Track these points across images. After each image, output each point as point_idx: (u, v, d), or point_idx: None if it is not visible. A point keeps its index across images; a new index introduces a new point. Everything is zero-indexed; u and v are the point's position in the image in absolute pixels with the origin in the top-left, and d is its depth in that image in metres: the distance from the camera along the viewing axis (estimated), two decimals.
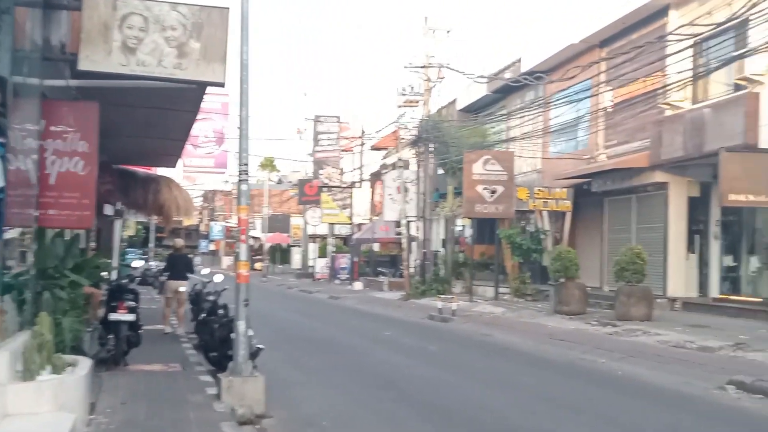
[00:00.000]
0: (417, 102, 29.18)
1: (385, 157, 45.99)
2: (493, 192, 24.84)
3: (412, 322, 21.78)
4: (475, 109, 33.23)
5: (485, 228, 31.74)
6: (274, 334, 16.78)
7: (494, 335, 17.86)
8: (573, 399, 10.24)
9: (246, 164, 8.53)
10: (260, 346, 10.13)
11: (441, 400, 10.02)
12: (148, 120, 11.89)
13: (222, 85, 8.10)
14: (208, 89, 10.81)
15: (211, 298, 12.56)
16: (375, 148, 47.43)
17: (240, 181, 8.61)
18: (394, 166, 35.01)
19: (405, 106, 29.30)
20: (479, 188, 24.86)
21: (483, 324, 20.02)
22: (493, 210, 24.94)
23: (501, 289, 26.04)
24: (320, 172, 42.29)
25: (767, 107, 17.80)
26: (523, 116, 27.36)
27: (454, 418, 9.05)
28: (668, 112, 21.62)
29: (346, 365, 13.15)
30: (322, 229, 49.38)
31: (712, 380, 11.18)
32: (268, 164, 70.19)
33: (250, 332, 9.36)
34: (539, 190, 24.46)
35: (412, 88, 29.06)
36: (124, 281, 12.39)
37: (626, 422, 8.93)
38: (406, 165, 31.80)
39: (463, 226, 36.00)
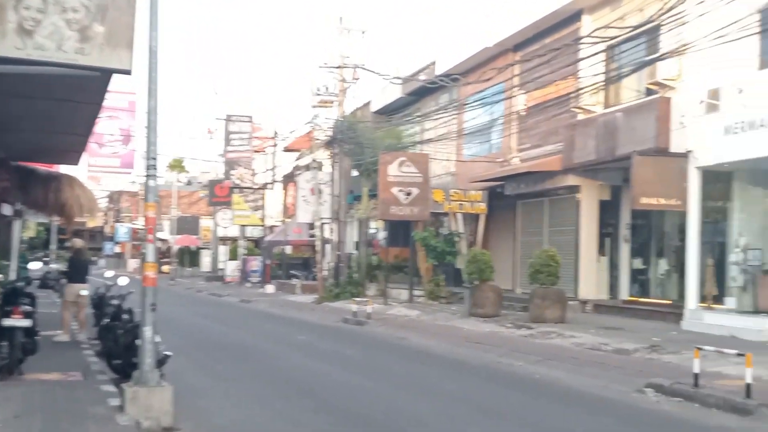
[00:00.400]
0: (332, 102, 28.79)
1: (298, 159, 45.41)
2: (409, 194, 24.63)
3: (327, 326, 21.35)
4: (390, 111, 33.05)
5: (399, 231, 31.57)
6: (183, 340, 16.11)
7: (410, 338, 17.60)
8: (494, 404, 10.02)
9: (155, 158, 7.96)
10: (168, 352, 9.56)
11: (362, 409, 9.65)
12: (48, 112, 11.13)
13: (129, 72, 7.52)
14: (115, 86, 10.18)
15: (116, 302, 11.88)
16: (288, 150, 46.78)
17: (148, 176, 8.04)
18: (307, 167, 34.55)
19: (319, 107, 28.85)
20: (394, 190, 24.62)
21: (398, 327, 19.75)
22: (408, 212, 24.73)
23: (415, 292, 25.86)
24: (231, 172, 41.41)
25: (678, 112, 18.07)
26: (438, 118, 27.29)
27: (377, 428, 8.69)
28: (581, 116, 21.82)
29: (261, 372, 12.65)
30: (233, 231, 48.44)
31: (630, 383, 11.12)
32: (177, 165, 68.66)
33: (157, 338, 8.79)
34: (455, 192, 24.38)
35: (327, 88, 28.64)
36: (20, 284, 11.59)
37: (550, 428, 8.74)
38: (320, 166, 31.36)
39: (377, 228, 35.80)
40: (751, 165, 16.76)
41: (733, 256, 17.12)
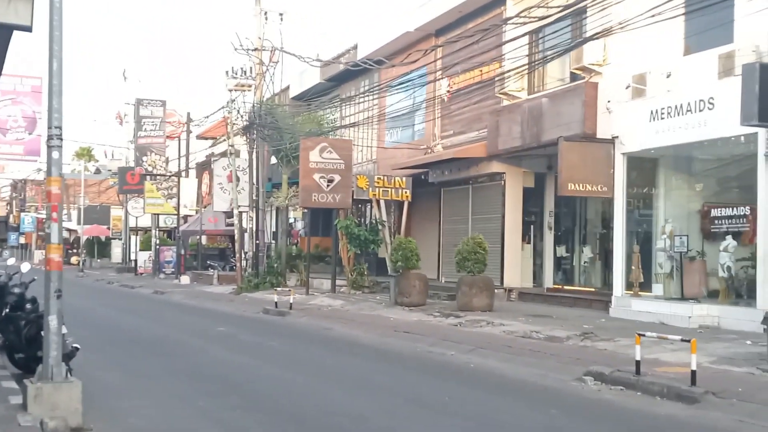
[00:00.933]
0: (249, 86, 27.77)
1: (213, 146, 44.14)
2: (331, 181, 23.94)
3: (248, 317, 20.55)
4: (309, 97, 32.21)
5: (319, 219, 30.89)
6: (93, 334, 15.13)
7: (335, 329, 17.00)
8: (433, 397, 9.47)
9: (59, 127, 7.09)
10: (76, 345, 8.72)
11: (294, 405, 8.96)
12: None
13: (29, 29, 6.66)
14: (18, 70, 9.23)
15: (17, 290, 10.86)
16: (202, 137, 45.43)
17: (50, 147, 7.15)
18: (225, 154, 33.39)
19: (237, 90, 27.78)
20: (316, 177, 23.88)
21: (322, 317, 19.11)
22: (330, 200, 24.03)
23: (338, 282, 25.21)
24: (143, 159, 39.86)
25: (604, 97, 17.90)
26: (360, 102, 26.68)
27: (313, 426, 8.04)
28: (505, 102, 21.53)
29: (181, 367, 11.83)
30: (146, 222, 46.74)
31: (568, 371, 10.77)
32: (85, 153, 66.20)
33: (64, 329, 7.94)
34: (379, 178, 23.81)
35: (245, 71, 27.62)
36: None
37: (495, 422, 8.24)
38: (237, 153, 30.25)
39: (295, 219, 34.98)
40: (676, 151, 16.72)
41: (660, 243, 17.04)
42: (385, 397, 9.51)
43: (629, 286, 17.46)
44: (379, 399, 9.37)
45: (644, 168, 17.74)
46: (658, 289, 16.96)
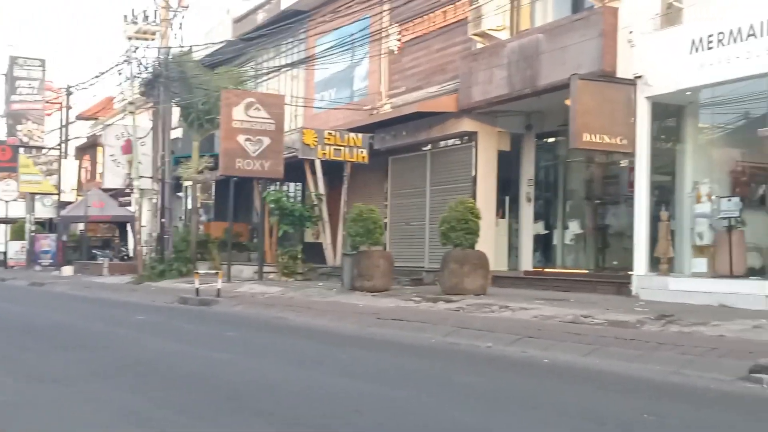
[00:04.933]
0: (153, 34, 22.99)
1: (96, 126, 38.69)
2: (258, 144, 19.64)
3: (165, 307, 16.17)
4: (217, 61, 27.56)
5: (227, 202, 26.33)
6: None
7: (290, 318, 13.04)
8: (565, 403, 5.58)
9: None
10: None
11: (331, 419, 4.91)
12: None
13: None
14: None
15: None
16: (83, 118, 39.91)
17: None
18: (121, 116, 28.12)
19: (137, 39, 22.94)
20: (241, 139, 19.52)
21: (263, 306, 14.97)
22: (257, 167, 19.69)
23: (264, 269, 20.89)
24: (18, 128, 33.97)
25: (623, 29, 14.41)
26: (287, 52, 22.50)
27: None
28: (480, 45, 17.81)
29: (115, 363, 7.61)
30: (18, 211, 40.40)
31: (705, 367, 7.16)
32: None
33: None
34: (331, 133, 19.62)
35: (147, 17, 22.85)
36: None
37: None
38: (135, 110, 24.95)
39: (201, 204, 30.11)
40: (725, 91, 13.34)
41: (700, 207, 13.65)
42: (491, 405, 5.58)
43: (654, 263, 14.06)
44: (491, 409, 5.42)
45: (674, 114, 14.40)
46: (699, 264, 13.56)
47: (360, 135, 19.91)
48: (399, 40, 20.60)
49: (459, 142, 18.75)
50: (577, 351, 8.41)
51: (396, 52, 20.86)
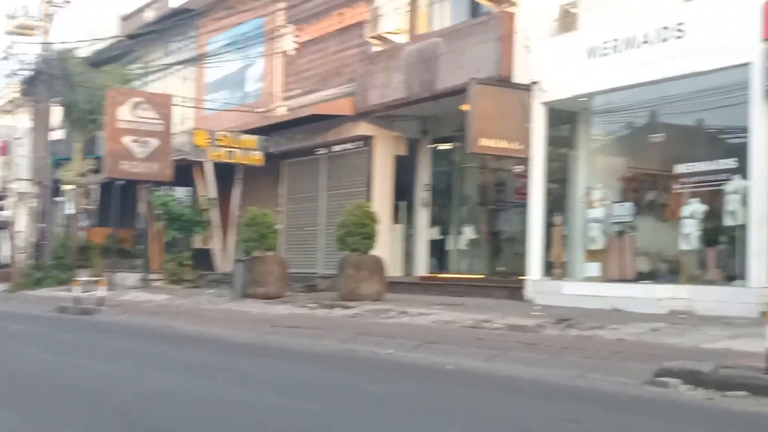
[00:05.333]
0: (32, 29, 21.78)
1: None
2: (145, 145, 18.87)
3: (43, 316, 15.29)
4: (102, 58, 26.42)
5: (108, 208, 25.06)
6: None
7: (180, 327, 12.56)
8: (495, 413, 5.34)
9: None
10: None
11: None
12: None
13: None
14: None
15: None
16: None
17: None
18: None
19: (17, 34, 21.66)
20: (126, 140, 18.74)
21: (150, 314, 14.35)
22: (144, 169, 18.99)
23: (152, 276, 20.03)
24: None
25: (520, 33, 14.46)
26: (178, 53, 21.75)
27: None
28: (377, 48, 17.61)
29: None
30: None
31: (610, 370, 7.08)
32: None
33: None
34: (223, 135, 18.96)
35: (27, 11, 21.63)
36: None
37: None
38: (14, 111, 23.66)
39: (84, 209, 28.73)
40: (622, 97, 13.50)
41: (594, 212, 13.80)
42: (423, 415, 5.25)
43: (548, 267, 14.16)
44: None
45: (569, 121, 14.52)
46: (593, 268, 13.70)
47: (254, 137, 19.35)
48: (295, 41, 20.18)
49: (355, 147, 18.44)
50: (480, 356, 8.23)
51: (292, 54, 20.42)
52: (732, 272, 11.80)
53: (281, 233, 20.27)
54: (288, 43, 20.27)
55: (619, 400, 6.13)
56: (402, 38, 17.14)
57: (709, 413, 5.66)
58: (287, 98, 20.64)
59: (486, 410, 5.67)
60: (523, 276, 14.25)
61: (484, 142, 14.07)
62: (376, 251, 14.76)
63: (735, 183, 11.68)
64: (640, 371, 6.90)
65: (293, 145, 19.67)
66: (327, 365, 8.24)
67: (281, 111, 20.49)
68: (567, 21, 13.65)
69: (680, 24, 11.95)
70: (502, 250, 17.26)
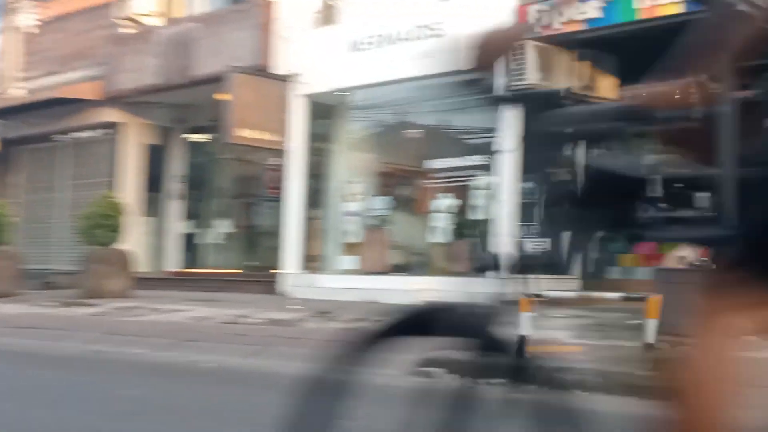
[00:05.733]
0: None
1: None
2: None
3: None
4: None
5: None
6: None
7: None
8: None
9: None
10: None
11: None
12: None
13: None
14: None
15: None
16: None
17: None
18: None
19: None
20: None
21: None
22: None
23: None
24: None
25: (283, 22, 14.18)
26: None
27: None
28: (128, 30, 16.60)
29: None
30: None
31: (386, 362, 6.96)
32: None
33: None
34: None
35: None
36: None
37: None
38: None
39: None
40: (384, 92, 13.65)
41: (351, 206, 13.86)
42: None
43: (305, 261, 14.07)
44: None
45: (329, 114, 14.48)
46: (350, 261, 13.78)
47: None
48: (37, 17, 18.58)
49: (102, 134, 17.31)
50: (242, 353, 7.84)
51: (34, 31, 18.79)
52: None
53: (18, 227, 18.64)
54: (28, 19, 18.64)
55: (388, 392, 6.03)
56: (156, 21, 16.30)
57: None
58: (26, 79, 18.98)
59: (257, 410, 5.33)
60: (279, 270, 14.06)
61: (242, 132, 13.70)
62: (124, 245, 13.92)
63: (483, 179, 12.22)
64: (403, 363, 6.85)
65: (32, 130, 18.12)
66: (73, 369, 7.49)
67: (19, 93, 18.80)
68: (328, 14, 13.63)
69: (437, 23, 12.25)
70: (258, 245, 16.94)
